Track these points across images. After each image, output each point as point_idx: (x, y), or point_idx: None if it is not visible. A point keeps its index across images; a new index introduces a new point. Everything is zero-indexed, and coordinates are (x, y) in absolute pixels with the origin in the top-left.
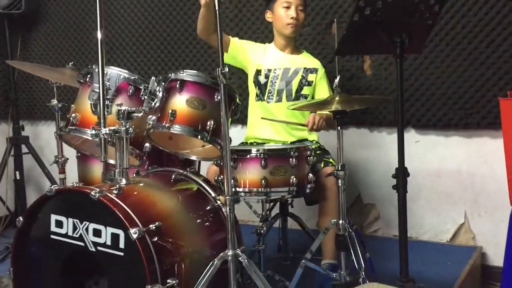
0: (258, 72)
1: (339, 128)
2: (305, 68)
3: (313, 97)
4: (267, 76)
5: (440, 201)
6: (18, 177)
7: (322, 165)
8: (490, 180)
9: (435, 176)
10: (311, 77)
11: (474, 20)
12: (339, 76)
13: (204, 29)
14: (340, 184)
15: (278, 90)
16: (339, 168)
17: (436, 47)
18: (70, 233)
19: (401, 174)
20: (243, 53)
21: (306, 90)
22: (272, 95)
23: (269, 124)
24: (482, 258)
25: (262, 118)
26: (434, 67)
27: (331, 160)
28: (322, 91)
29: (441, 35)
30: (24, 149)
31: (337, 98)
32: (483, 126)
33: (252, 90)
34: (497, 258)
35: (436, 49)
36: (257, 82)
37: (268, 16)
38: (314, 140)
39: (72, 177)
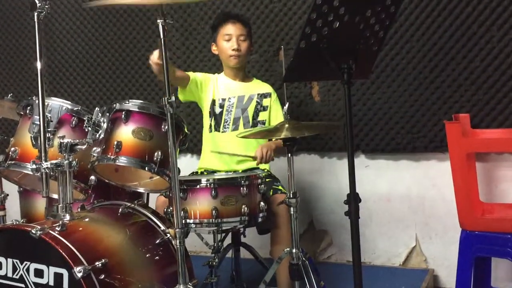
0: (213, 102)
1: (289, 155)
2: (259, 94)
3: (269, 123)
4: (221, 106)
5: (391, 225)
6: None
7: (271, 193)
8: (440, 203)
9: (385, 200)
10: (265, 101)
11: (417, 46)
12: (287, 103)
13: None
14: (292, 212)
15: (235, 119)
16: (291, 196)
17: (382, 72)
18: (9, 275)
19: (353, 200)
20: (201, 86)
21: (262, 116)
22: (228, 124)
23: (219, 156)
24: (435, 281)
25: (211, 151)
26: (380, 92)
27: (280, 187)
28: (277, 115)
29: (386, 60)
30: None
31: (286, 125)
32: (430, 149)
33: (207, 121)
34: (449, 280)
35: (382, 75)
36: (212, 113)
37: (214, 48)
38: (265, 169)
39: (13, 214)
